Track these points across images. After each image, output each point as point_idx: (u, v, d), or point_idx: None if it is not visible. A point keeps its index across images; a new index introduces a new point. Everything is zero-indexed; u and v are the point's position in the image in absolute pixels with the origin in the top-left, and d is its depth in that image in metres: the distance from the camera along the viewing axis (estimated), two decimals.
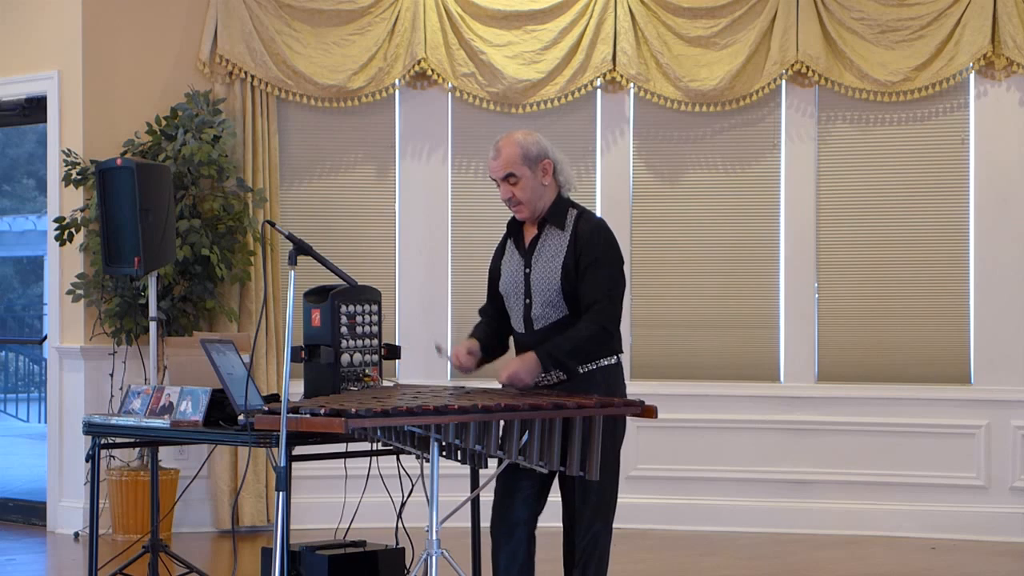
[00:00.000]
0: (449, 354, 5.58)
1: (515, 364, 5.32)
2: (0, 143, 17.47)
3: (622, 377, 5.46)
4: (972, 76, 9.08)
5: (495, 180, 5.47)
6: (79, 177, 8.83)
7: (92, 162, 8.66)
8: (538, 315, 5.40)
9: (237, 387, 5.34)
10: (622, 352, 5.47)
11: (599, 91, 9.41)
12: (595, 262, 5.33)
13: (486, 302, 5.67)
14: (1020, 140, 9.03)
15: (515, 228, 5.55)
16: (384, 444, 5.11)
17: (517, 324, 5.48)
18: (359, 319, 5.63)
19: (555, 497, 5.44)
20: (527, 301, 5.42)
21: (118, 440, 6.43)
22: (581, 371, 5.34)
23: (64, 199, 9.02)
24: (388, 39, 9.28)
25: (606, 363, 5.38)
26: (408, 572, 5.85)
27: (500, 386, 5.41)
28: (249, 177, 9.09)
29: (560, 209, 5.44)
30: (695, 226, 9.41)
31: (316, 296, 5.66)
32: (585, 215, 5.46)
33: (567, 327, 5.33)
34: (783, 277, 9.32)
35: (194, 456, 8.74)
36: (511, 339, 5.58)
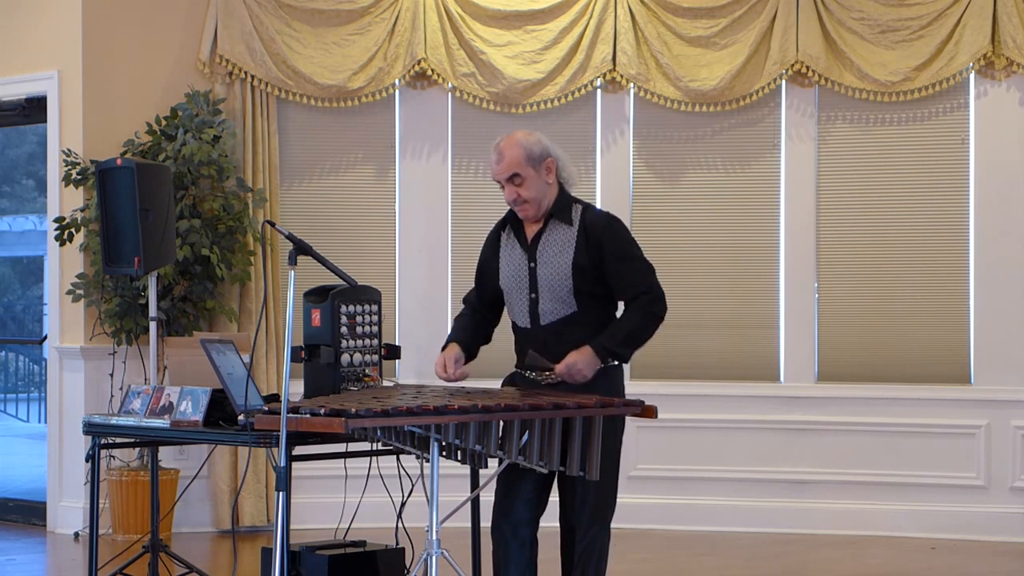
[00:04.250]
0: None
1: (573, 356, 5.30)
2: (0, 143, 17.47)
3: (622, 378, 5.47)
4: (972, 76, 9.08)
5: (499, 182, 5.45)
6: (79, 177, 8.83)
7: (92, 162, 8.66)
8: (546, 310, 5.39)
9: (237, 387, 5.34)
10: None
11: (599, 91, 9.41)
12: (624, 254, 5.37)
13: (473, 290, 5.67)
14: (1020, 140, 9.03)
15: (516, 220, 5.53)
16: (384, 444, 5.11)
17: (521, 319, 5.47)
18: (359, 319, 5.63)
19: (554, 497, 5.44)
20: (533, 296, 5.42)
21: (118, 440, 6.43)
22: None
23: (64, 199, 9.02)
24: (388, 39, 9.28)
25: (608, 362, 5.38)
26: (408, 572, 5.85)
27: (558, 379, 5.37)
28: (249, 177, 9.09)
29: (564, 204, 5.45)
30: (695, 226, 9.41)
31: (316, 296, 5.66)
32: (590, 209, 5.47)
33: (575, 321, 5.34)
34: (783, 277, 9.32)
35: (194, 456, 8.74)
36: (514, 331, 5.55)
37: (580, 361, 5.29)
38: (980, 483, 9.01)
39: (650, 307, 5.35)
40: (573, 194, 5.53)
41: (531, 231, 5.48)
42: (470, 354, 5.56)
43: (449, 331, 5.72)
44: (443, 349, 5.57)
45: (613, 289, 5.39)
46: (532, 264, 5.43)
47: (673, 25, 9.28)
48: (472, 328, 5.61)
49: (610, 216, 5.46)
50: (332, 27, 9.29)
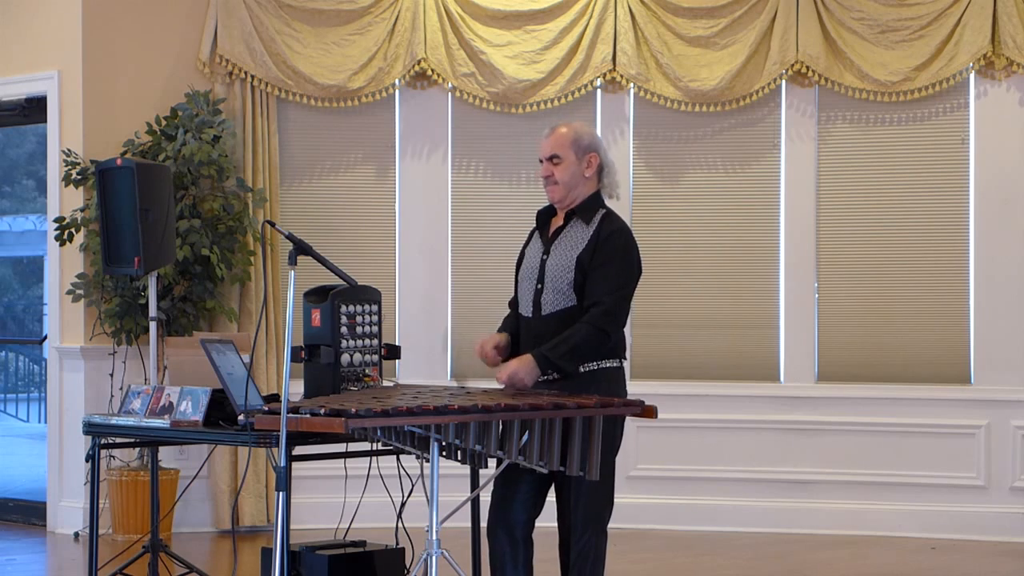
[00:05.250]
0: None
1: (514, 365, 5.33)
2: (0, 143, 17.47)
3: (624, 381, 5.46)
4: (972, 76, 9.08)
5: (540, 159, 5.49)
6: (79, 177, 8.83)
7: (92, 162, 8.66)
8: (547, 301, 5.41)
9: (237, 387, 5.34)
10: (625, 358, 5.48)
11: (599, 91, 9.41)
12: (606, 263, 5.35)
13: (514, 294, 5.69)
14: (1020, 140, 9.03)
15: (543, 219, 5.58)
16: (384, 444, 5.11)
17: (525, 308, 5.49)
18: (359, 319, 5.63)
19: (552, 498, 5.44)
20: (539, 286, 5.44)
21: (118, 440, 6.43)
22: (582, 370, 5.35)
23: (64, 199, 9.02)
24: (388, 39, 9.28)
25: (608, 365, 5.38)
26: (408, 572, 5.85)
27: (500, 386, 5.42)
28: (249, 177, 9.09)
29: (592, 205, 5.47)
30: (695, 226, 9.41)
31: (316, 296, 5.66)
32: (611, 216, 5.48)
33: (573, 316, 5.34)
34: (783, 277, 9.32)
35: (194, 456, 8.74)
36: (519, 324, 5.56)
37: (521, 370, 5.30)
38: (980, 483, 9.00)
39: (598, 320, 5.31)
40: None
41: (554, 226, 5.52)
42: (516, 348, 5.53)
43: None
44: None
45: (584, 294, 5.37)
46: (545, 256, 5.47)
47: (673, 25, 9.28)
48: (519, 325, 5.60)
49: (620, 227, 5.46)
50: (332, 27, 9.28)
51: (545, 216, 5.59)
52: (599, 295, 5.33)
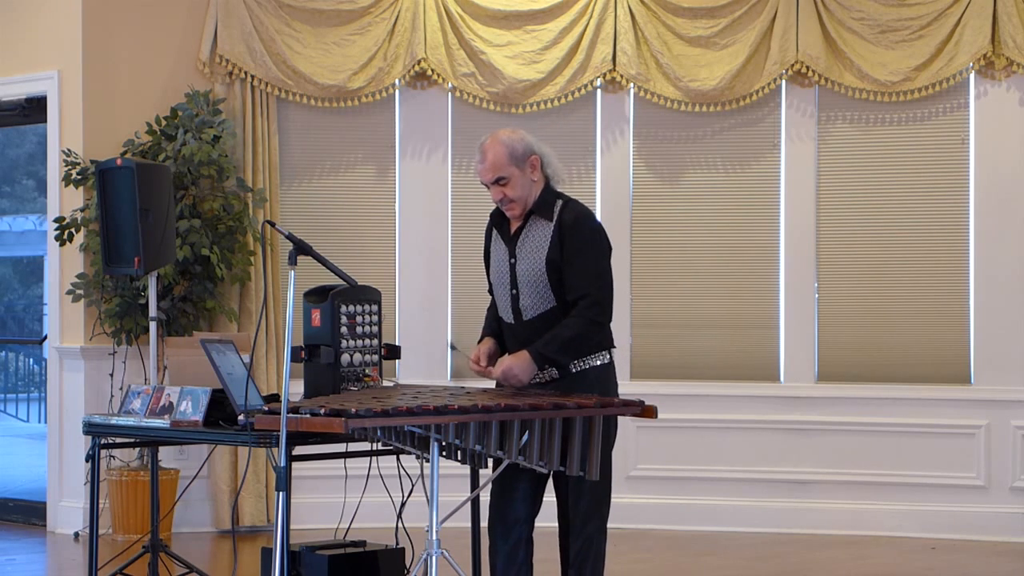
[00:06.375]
0: (454, 353, 5.57)
1: (509, 361, 5.33)
2: (0, 143, 17.47)
3: (614, 376, 5.46)
4: (972, 76, 9.09)
5: (484, 184, 5.47)
6: (79, 177, 8.83)
7: (92, 162, 8.67)
8: (526, 306, 5.41)
9: (237, 387, 5.34)
10: (614, 347, 5.46)
11: (599, 91, 9.41)
12: (579, 252, 5.33)
13: (489, 285, 5.69)
14: (1020, 140, 9.03)
15: (500, 217, 5.55)
16: (384, 444, 5.12)
17: (505, 313, 5.49)
18: (359, 319, 5.63)
19: (552, 497, 5.44)
20: (514, 292, 5.44)
21: (118, 440, 6.43)
22: (573, 370, 5.35)
23: (64, 199, 9.02)
24: (388, 39, 9.28)
25: (598, 362, 5.38)
26: (408, 572, 5.85)
27: (497, 385, 5.43)
28: (249, 177, 9.09)
29: (547, 200, 5.45)
30: (695, 226, 9.41)
31: (316, 296, 5.66)
32: (570, 204, 5.45)
33: (556, 317, 5.34)
34: (783, 277, 9.32)
35: (194, 456, 8.74)
36: (501, 327, 5.55)
37: (516, 367, 5.31)
38: (980, 483, 9.01)
39: (588, 312, 5.31)
40: (570, 192, 5.54)
41: (514, 227, 5.50)
42: (503, 346, 5.54)
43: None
44: (478, 343, 5.57)
45: (565, 288, 5.36)
46: (512, 260, 5.46)
47: (673, 25, 9.28)
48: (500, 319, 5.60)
49: (580, 214, 5.43)
50: (332, 27, 9.29)
51: (502, 214, 5.54)
52: (584, 288, 5.32)
